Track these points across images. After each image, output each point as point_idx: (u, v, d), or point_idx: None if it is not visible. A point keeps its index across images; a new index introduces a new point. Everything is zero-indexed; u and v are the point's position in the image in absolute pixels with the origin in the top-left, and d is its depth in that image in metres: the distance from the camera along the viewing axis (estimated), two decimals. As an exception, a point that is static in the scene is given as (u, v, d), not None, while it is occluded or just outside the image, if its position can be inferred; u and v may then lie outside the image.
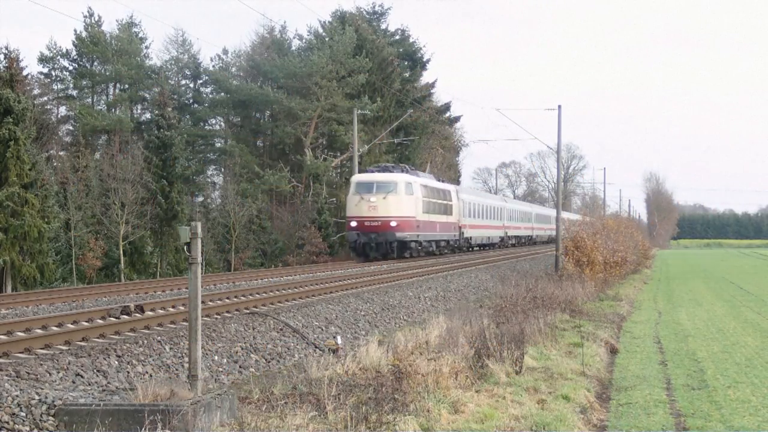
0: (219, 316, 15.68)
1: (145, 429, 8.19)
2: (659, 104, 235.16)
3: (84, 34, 48.48)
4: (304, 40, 57.10)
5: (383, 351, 12.79)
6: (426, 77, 65.70)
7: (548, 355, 15.18)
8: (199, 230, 9.61)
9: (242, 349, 13.97)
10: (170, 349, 12.69)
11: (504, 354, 13.23)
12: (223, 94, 54.58)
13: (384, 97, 53.80)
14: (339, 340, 15.54)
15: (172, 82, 55.04)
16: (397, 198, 35.96)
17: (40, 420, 8.61)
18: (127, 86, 51.47)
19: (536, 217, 72.68)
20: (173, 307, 16.45)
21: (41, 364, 10.55)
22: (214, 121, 58.55)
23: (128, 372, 11.45)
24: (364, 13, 61.41)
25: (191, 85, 58.17)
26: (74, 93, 50.00)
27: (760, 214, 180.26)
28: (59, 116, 49.27)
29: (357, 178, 38.24)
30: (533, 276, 30.52)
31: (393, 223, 35.59)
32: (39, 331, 12.95)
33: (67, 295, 19.85)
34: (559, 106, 37.66)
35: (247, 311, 16.67)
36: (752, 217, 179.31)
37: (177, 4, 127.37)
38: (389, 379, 10.67)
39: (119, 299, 18.88)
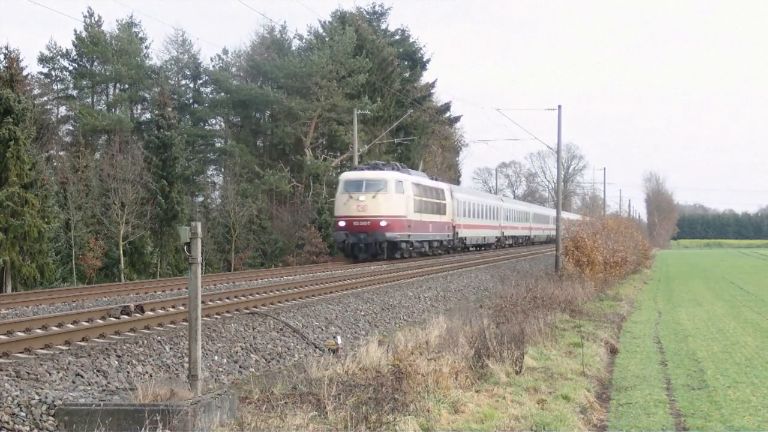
0: (219, 316, 15.68)
1: (145, 429, 8.18)
2: (659, 104, 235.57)
3: (84, 34, 48.51)
4: (304, 40, 57.20)
5: (383, 351, 12.79)
6: (426, 77, 65.85)
7: (548, 355, 15.18)
8: (199, 230, 9.61)
9: (242, 349, 13.97)
10: (170, 349, 12.69)
11: (504, 354, 13.23)
12: (223, 94, 54.60)
13: (384, 97, 53.82)
14: (339, 340, 15.54)
15: (172, 82, 55.07)
16: (387, 197, 34.59)
17: (40, 420, 8.61)
18: (127, 86, 51.50)
19: (534, 216, 72.01)
20: (173, 307, 16.44)
21: (41, 364, 10.55)
22: (214, 121, 58.64)
23: (128, 372, 11.45)
24: (364, 13, 61.47)
25: (191, 85, 58.21)
26: (74, 93, 50.04)
27: (760, 214, 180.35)
28: (59, 116, 49.36)
29: (346, 175, 36.80)
30: (533, 276, 30.53)
31: (383, 223, 34.27)
32: (39, 331, 12.95)
33: (67, 295, 19.85)
34: (559, 106, 37.69)
35: (247, 311, 16.66)
36: (752, 217, 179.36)
37: (177, 4, 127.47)
38: (389, 379, 10.66)
39: (119, 299, 18.88)
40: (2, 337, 12.14)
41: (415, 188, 37.37)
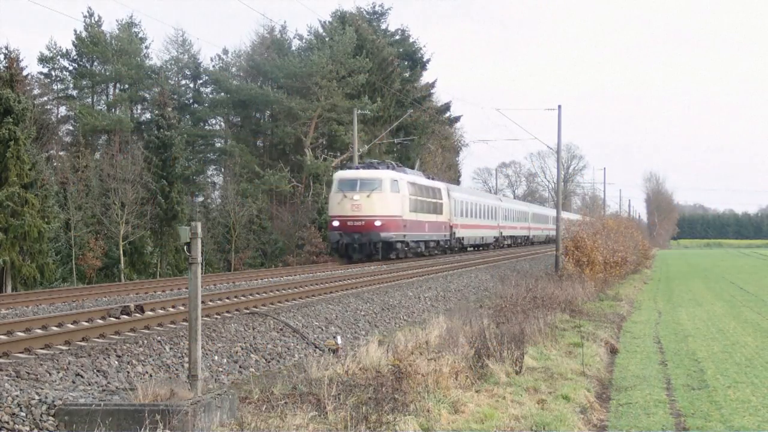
0: (219, 316, 15.68)
1: (145, 429, 8.18)
2: (659, 104, 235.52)
3: (84, 34, 48.53)
4: (304, 40, 57.20)
5: (383, 351, 12.78)
6: (426, 77, 65.79)
7: (548, 355, 15.18)
8: (199, 230, 9.60)
9: (242, 349, 13.97)
10: (170, 349, 12.69)
11: (504, 354, 13.22)
12: (223, 94, 54.62)
13: (384, 97, 53.81)
14: (339, 340, 15.53)
15: (172, 82, 55.08)
16: (382, 196, 34.02)
17: (40, 420, 8.61)
18: (127, 86, 51.51)
19: (533, 216, 71.64)
20: (173, 307, 16.44)
21: (41, 364, 10.55)
22: (214, 121, 58.65)
23: (128, 372, 11.45)
24: (364, 13, 61.46)
25: (191, 85, 58.22)
26: (74, 93, 50.06)
27: (760, 214, 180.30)
28: (59, 116, 49.38)
29: (340, 174, 36.21)
30: (533, 276, 30.53)
31: (377, 223, 33.71)
32: (39, 331, 12.95)
33: (67, 295, 19.85)
34: (559, 106, 37.67)
35: (247, 311, 16.66)
36: (752, 217, 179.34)
37: (177, 4, 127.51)
38: (389, 379, 10.66)
39: (119, 299, 18.88)
40: (2, 337, 12.14)
41: (411, 187, 36.86)
